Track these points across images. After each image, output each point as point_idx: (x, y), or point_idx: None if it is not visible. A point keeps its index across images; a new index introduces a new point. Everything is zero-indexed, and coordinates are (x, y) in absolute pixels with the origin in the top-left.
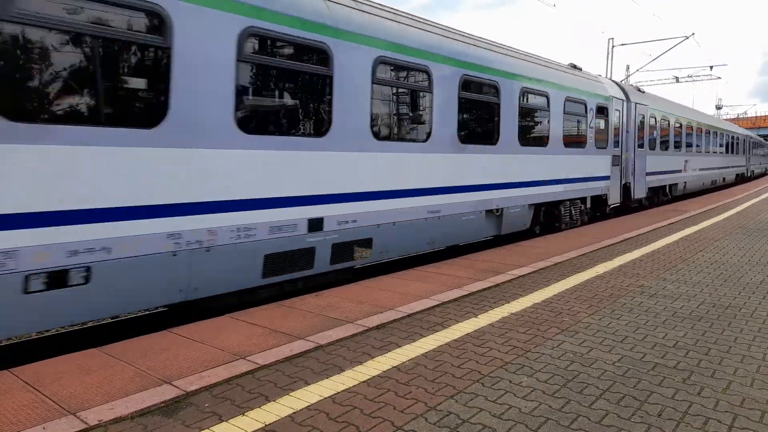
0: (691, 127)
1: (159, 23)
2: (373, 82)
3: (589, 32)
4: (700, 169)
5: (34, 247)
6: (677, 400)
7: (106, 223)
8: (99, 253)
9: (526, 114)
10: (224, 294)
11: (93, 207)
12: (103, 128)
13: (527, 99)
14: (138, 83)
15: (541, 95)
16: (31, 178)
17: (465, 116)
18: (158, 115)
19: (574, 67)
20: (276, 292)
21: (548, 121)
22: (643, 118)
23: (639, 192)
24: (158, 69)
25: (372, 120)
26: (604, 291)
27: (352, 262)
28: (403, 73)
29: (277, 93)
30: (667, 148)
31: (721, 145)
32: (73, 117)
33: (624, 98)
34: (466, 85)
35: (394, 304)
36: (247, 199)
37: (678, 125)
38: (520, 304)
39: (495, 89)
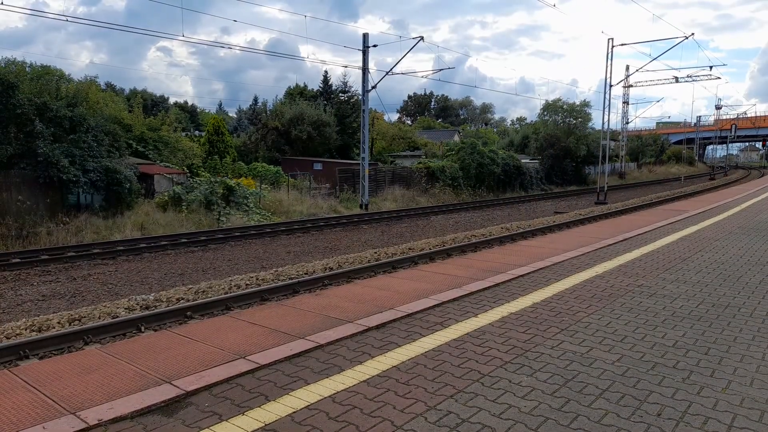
0: None
1: None
2: None
3: (589, 32)
4: None
5: None
6: (677, 400)
7: None
8: None
9: None
10: None
11: None
12: None
13: None
14: None
15: None
16: None
17: None
18: None
19: None
20: None
21: None
22: None
23: None
24: None
25: None
26: (604, 291)
27: None
28: None
29: None
30: None
31: None
32: None
33: None
34: None
35: (393, 303)
36: None
37: None
38: (519, 304)
39: None
